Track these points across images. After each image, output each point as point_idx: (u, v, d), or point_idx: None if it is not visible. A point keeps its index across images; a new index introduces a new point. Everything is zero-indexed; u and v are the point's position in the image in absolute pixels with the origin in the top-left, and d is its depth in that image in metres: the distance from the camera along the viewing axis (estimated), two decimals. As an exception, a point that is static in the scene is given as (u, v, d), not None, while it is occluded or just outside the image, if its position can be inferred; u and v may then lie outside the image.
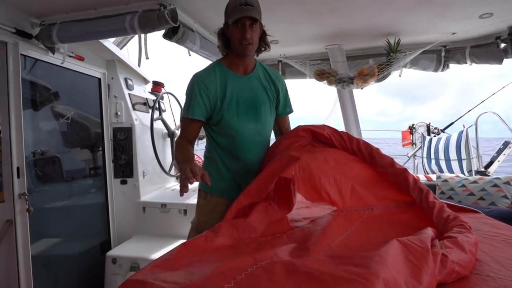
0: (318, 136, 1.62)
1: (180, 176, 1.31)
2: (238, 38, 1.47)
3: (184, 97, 1.59)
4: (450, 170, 3.72)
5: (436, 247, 0.98)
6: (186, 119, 1.56)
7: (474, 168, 3.58)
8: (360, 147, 1.54)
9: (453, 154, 3.75)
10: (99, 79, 2.87)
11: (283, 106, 1.73)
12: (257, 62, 1.66)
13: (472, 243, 1.07)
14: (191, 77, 1.58)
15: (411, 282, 0.82)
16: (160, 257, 1.01)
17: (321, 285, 0.76)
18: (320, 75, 2.87)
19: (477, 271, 1.00)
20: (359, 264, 0.80)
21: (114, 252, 2.68)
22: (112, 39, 2.97)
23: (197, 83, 1.52)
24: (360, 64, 2.79)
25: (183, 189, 1.24)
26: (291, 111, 1.78)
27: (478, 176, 2.83)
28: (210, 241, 1.13)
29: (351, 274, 0.75)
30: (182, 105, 3.70)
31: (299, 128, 1.67)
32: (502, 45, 2.66)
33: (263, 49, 1.60)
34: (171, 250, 1.06)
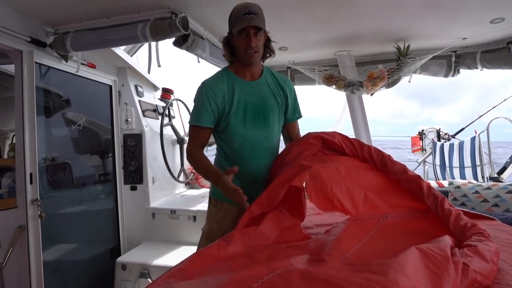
0: (328, 143, 1.60)
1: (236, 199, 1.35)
2: (243, 47, 1.48)
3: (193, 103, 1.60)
4: (464, 177, 3.67)
5: (456, 255, 0.96)
6: (195, 127, 1.56)
7: (487, 174, 3.52)
8: (372, 154, 1.52)
9: (467, 161, 3.69)
10: (110, 86, 2.91)
11: (292, 112, 1.72)
12: (264, 68, 1.66)
13: (493, 252, 1.04)
14: (198, 86, 1.59)
15: None
16: (174, 266, 1.00)
17: None
18: (329, 80, 2.87)
19: (498, 280, 0.98)
20: (377, 272, 0.77)
21: (123, 258, 2.68)
22: (123, 47, 3.01)
23: (205, 90, 1.53)
24: (369, 69, 2.78)
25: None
26: (300, 116, 1.77)
27: (492, 183, 2.78)
28: (223, 249, 1.12)
29: (370, 282, 0.73)
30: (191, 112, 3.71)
31: (309, 135, 1.65)
32: (514, 49, 2.63)
33: (268, 55, 1.60)
34: (184, 260, 1.05)
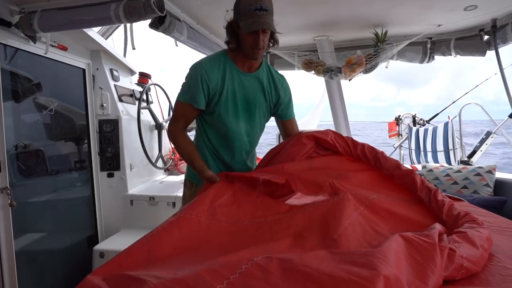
0: (321, 142, 1.59)
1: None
2: (250, 44, 1.43)
3: (180, 84, 1.55)
4: (437, 161, 3.81)
5: (443, 241, 0.94)
6: (185, 105, 1.51)
7: (458, 158, 3.67)
8: (365, 151, 1.52)
9: (440, 145, 3.84)
10: (83, 70, 2.80)
11: (285, 111, 1.70)
12: (263, 62, 1.62)
13: (484, 238, 1.02)
14: (192, 64, 1.54)
15: (414, 282, 0.78)
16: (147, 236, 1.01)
17: (318, 287, 0.72)
18: (308, 65, 2.88)
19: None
20: (359, 263, 0.76)
21: (101, 246, 2.65)
22: (96, 29, 2.89)
23: (200, 72, 1.48)
24: (348, 55, 2.80)
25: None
26: (293, 116, 1.75)
27: (462, 166, 2.91)
28: (205, 224, 1.11)
29: (351, 275, 0.72)
30: (170, 97, 3.63)
31: (302, 135, 1.63)
32: (485, 37, 2.72)
33: (271, 45, 1.56)
34: (160, 227, 1.07)
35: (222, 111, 1.53)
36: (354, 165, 1.52)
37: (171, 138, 1.57)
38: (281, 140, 1.79)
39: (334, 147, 1.57)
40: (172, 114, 1.59)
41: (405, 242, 0.88)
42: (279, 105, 1.66)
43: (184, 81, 1.55)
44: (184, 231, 1.09)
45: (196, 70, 1.50)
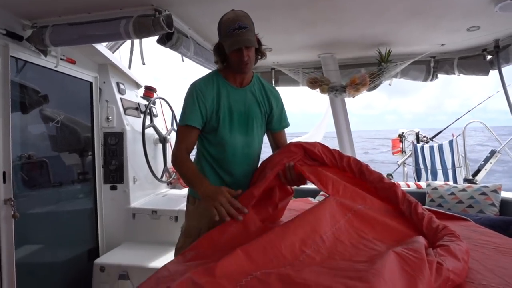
0: (309, 152, 1.62)
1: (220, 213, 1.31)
2: (236, 61, 1.50)
3: (180, 101, 1.62)
4: (444, 179, 3.80)
5: (430, 255, 1.00)
6: (184, 127, 1.56)
7: (462, 176, 3.65)
8: (351, 164, 1.56)
9: (445, 163, 3.83)
10: (91, 83, 2.84)
11: (278, 121, 1.73)
12: (254, 75, 1.68)
13: (464, 251, 1.09)
14: (188, 87, 1.60)
15: None
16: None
17: None
18: (313, 83, 2.90)
19: (470, 279, 1.01)
20: (354, 277, 0.80)
21: (102, 259, 2.62)
22: (104, 43, 2.94)
23: (195, 92, 1.54)
24: (352, 72, 2.83)
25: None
26: (287, 125, 1.78)
27: (467, 184, 2.89)
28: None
29: (348, 287, 0.76)
30: (174, 110, 3.66)
31: (290, 144, 1.68)
32: (488, 57, 2.75)
33: (259, 57, 1.62)
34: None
35: (220, 127, 1.57)
36: (340, 176, 1.55)
37: (174, 162, 1.59)
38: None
39: (321, 158, 1.59)
40: (175, 139, 1.63)
41: (397, 257, 0.94)
42: (273, 116, 1.70)
43: (182, 105, 1.60)
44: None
45: (191, 92, 1.56)
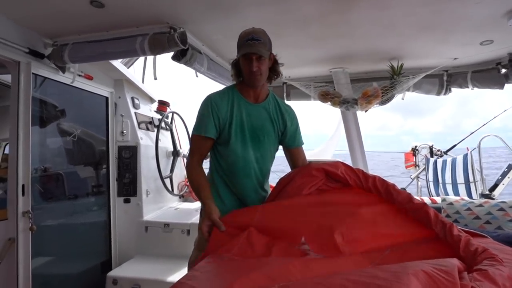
0: (332, 175, 1.58)
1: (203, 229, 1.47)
2: (247, 70, 1.56)
3: (195, 116, 1.65)
4: (457, 194, 3.71)
5: (464, 279, 0.92)
6: (199, 137, 1.60)
7: (479, 191, 3.56)
8: (376, 184, 1.49)
9: (459, 178, 3.75)
10: (107, 98, 2.92)
11: (292, 139, 1.75)
12: (270, 93, 1.71)
13: (505, 276, 0.98)
14: (204, 97, 1.65)
15: None
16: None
17: None
18: (325, 97, 2.91)
19: None
20: None
21: (115, 272, 2.63)
22: (120, 59, 3.03)
23: (210, 104, 1.59)
24: (363, 86, 2.83)
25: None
26: (300, 143, 1.80)
27: (484, 200, 2.81)
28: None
29: None
30: (187, 125, 3.70)
31: (312, 167, 1.64)
32: (503, 70, 2.71)
33: (274, 77, 1.67)
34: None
35: (232, 140, 1.60)
36: (365, 199, 1.48)
37: (187, 171, 1.66)
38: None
39: (344, 179, 1.55)
40: (189, 149, 1.69)
41: (426, 276, 0.86)
42: (286, 133, 1.73)
43: (197, 115, 1.66)
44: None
45: (206, 103, 1.61)
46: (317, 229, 1.33)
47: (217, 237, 1.40)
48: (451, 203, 2.79)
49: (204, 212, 1.51)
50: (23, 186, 2.03)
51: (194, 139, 1.63)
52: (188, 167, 1.64)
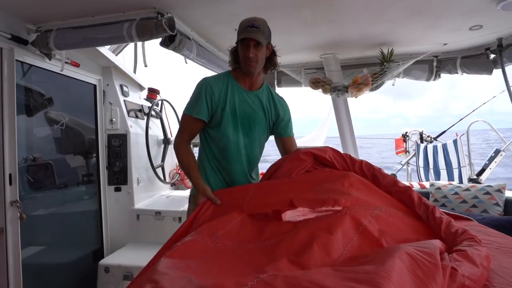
0: (320, 159, 1.61)
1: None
2: (243, 56, 1.57)
3: (185, 103, 1.66)
4: (448, 178, 3.78)
5: (445, 260, 0.95)
6: (190, 117, 1.62)
7: (466, 176, 3.63)
8: (363, 168, 1.55)
9: (449, 162, 3.82)
10: (95, 86, 2.86)
11: (284, 129, 1.79)
12: (264, 84, 1.74)
13: (483, 256, 1.03)
14: (197, 82, 1.66)
15: None
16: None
17: None
18: (315, 84, 2.91)
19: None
20: (363, 281, 0.77)
21: (106, 260, 2.64)
22: (108, 46, 2.97)
23: (205, 86, 1.61)
24: (354, 73, 2.83)
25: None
26: (292, 134, 1.84)
27: (471, 184, 2.87)
28: (210, 245, 1.13)
29: None
30: (178, 112, 3.68)
31: (300, 151, 1.67)
32: (492, 56, 2.73)
33: (271, 68, 1.69)
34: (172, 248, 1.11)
35: (223, 124, 1.63)
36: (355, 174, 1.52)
37: (175, 149, 1.68)
38: None
39: (332, 164, 1.59)
40: (179, 127, 1.70)
41: (409, 258, 0.89)
42: (279, 123, 1.76)
43: (190, 96, 1.67)
44: (191, 255, 1.10)
45: (201, 85, 1.63)
46: (309, 187, 1.40)
47: (209, 209, 1.44)
48: (439, 188, 2.85)
49: (196, 191, 1.55)
50: (10, 175, 2.00)
51: (185, 119, 1.65)
52: (177, 146, 1.66)
